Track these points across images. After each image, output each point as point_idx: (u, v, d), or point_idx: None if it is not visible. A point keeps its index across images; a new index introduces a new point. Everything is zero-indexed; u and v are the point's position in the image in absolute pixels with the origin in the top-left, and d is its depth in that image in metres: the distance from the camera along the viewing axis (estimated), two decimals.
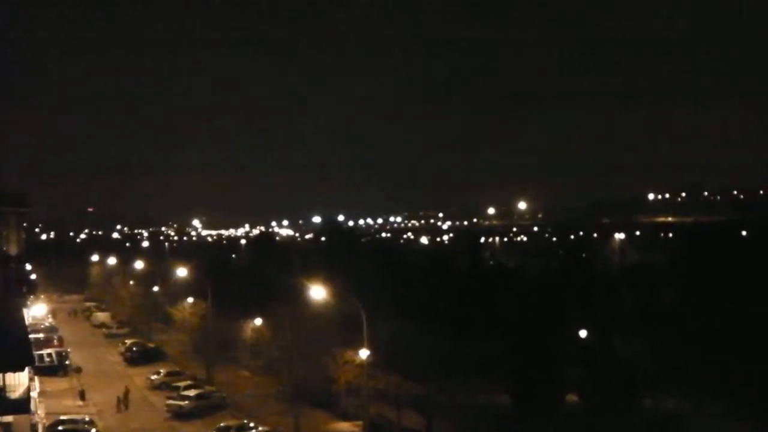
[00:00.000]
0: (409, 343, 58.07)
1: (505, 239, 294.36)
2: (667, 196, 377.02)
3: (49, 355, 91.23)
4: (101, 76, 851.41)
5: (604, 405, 55.65)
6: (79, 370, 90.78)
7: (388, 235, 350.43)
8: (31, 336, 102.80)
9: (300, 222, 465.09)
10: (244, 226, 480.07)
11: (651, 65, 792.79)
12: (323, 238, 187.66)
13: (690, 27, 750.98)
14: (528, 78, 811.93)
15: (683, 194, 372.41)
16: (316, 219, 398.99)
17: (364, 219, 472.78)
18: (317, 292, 59.40)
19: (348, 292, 58.60)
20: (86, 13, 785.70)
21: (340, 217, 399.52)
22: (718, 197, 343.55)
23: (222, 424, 64.20)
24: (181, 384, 79.13)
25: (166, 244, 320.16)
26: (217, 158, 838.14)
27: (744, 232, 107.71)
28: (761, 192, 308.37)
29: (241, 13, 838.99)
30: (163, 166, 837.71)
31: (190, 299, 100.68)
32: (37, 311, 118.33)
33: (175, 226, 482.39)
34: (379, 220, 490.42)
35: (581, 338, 65.18)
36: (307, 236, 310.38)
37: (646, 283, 78.34)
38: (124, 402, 74.82)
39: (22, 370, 50.09)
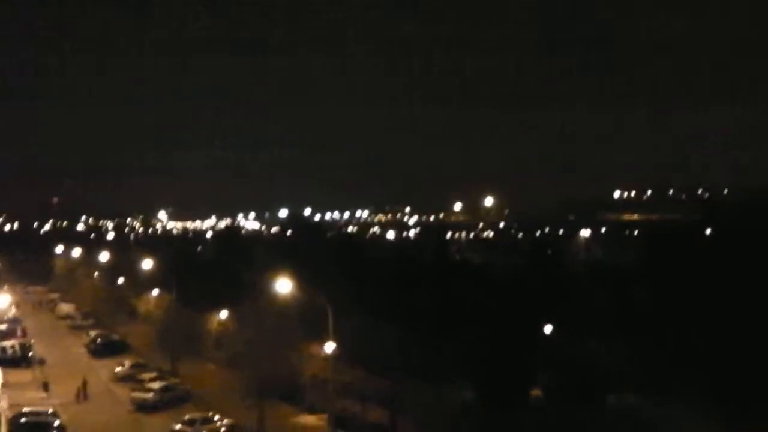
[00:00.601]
0: (373, 338, 58.46)
1: (472, 235, 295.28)
2: (633, 194, 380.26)
3: (12, 346, 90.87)
4: (78, 70, 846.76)
5: (568, 401, 56.33)
6: (42, 361, 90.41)
7: (355, 229, 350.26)
8: None
9: (266, 216, 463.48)
10: (210, 218, 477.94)
11: (620, 65, 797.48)
12: (289, 232, 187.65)
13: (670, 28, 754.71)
14: (496, 77, 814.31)
15: (649, 192, 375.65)
16: (283, 212, 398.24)
17: (331, 213, 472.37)
18: (282, 286, 59.58)
19: (313, 285, 58.92)
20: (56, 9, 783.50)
21: (307, 211, 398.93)
22: (684, 196, 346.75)
23: (187, 417, 64.32)
24: (146, 376, 79.10)
25: (132, 236, 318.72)
26: (185, 152, 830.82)
27: (709, 231, 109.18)
28: (726, 191, 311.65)
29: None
30: (129, 159, 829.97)
31: (155, 291, 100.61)
32: None
33: (140, 217, 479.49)
34: (346, 215, 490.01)
35: (546, 334, 65.88)
36: (273, 230, 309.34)
37: (610, 281, 79.16)
38: (83, 393, 74.76)
39: None
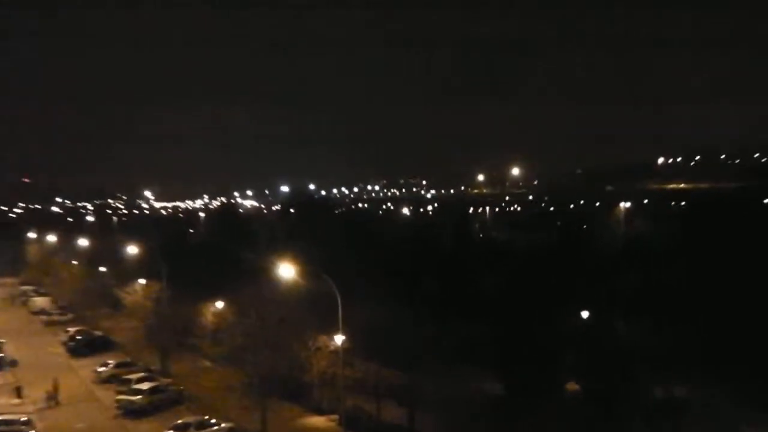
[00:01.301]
0: (388, 328, 58.43)
1: (497, 209, 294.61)
2: (679, 160, 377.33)
3: None
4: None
5: (604, 392, 56.28)
6: (14, 363, 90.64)
7: (365, 205, 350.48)
8: None
9: (266, 192, 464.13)
10: (202, 197, 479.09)
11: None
12: (292, 210, 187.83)
13: None
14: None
15: (697, 158, 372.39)
16: (285, 189, 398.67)
17: (338, 188, 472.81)
18: (286, 271, 59.43)
19: (320, 270, 58.82)
20: None
21: (311, 186, 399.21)
22: (738, 161, 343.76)
23: (180, 421, 64.36)
24: (133, 377, 79.17)
25: (114, 218, 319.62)
26: (175, 123, 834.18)
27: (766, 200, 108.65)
28: None
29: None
30: (111, 133, 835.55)
31: (142, 281, 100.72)
32: None
33: (124, 198, 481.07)
34: (355, 189, 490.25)
35: (581, 320, 65.71)
36: (275, 208, 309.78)
37: (653, 258, 78.77)
38: (54, 397, 74.57)
39: None
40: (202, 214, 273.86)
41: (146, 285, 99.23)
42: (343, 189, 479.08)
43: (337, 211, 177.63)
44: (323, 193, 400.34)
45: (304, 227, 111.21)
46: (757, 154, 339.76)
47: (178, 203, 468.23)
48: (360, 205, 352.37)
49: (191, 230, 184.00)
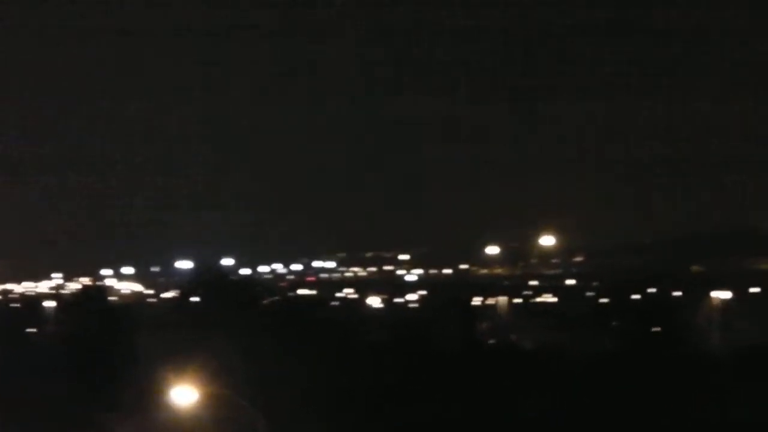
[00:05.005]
0: None
1: (518, 300, 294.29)
2: None
3: None
4: None
5: None
6: None
7: (313, 291, 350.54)
8: None
9: (155, 270, 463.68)
10: (50, 277, 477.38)
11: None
12: (196, 298, 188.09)
13: None
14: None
15: None
16: (185, 264, 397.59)
17: (269, 264, 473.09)
18: (183, 395, 58.75)
19: (239, 395, 58.37)
20: None
21: (228, 262, 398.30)
22: None
23: None
24: None
25: None
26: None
27: None
28: None
29: None
30: None
31: None
32: None
33: None
34: (297, 266, 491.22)
35: None
36: (168, 294, 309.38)
37: None
38: None
39: None
40: (51, 304, 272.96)
41: None
42: (278, 266, 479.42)
43: (267, 301, 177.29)
44: (246, 272, 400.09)
45: (215, 325, 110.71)
46: None
47: (9, 286, 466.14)
48: (304, 290, 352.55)
49: (32, 329, 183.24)
